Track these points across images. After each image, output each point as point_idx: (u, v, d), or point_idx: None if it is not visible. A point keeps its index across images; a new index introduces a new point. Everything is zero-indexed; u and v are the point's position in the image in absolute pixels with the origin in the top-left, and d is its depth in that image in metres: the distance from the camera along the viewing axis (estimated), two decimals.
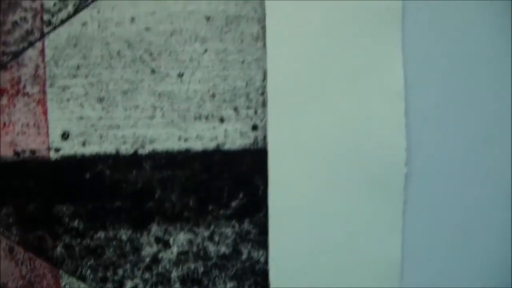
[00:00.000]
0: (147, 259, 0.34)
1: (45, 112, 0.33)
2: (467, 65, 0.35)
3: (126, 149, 0.33)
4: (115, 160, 0.33)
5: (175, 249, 0.34)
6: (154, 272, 0.34)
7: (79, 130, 0.33)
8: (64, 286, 0.34)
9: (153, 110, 0.33)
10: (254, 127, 0.34)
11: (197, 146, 0.34)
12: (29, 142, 0.33)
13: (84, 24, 0.33)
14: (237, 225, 0.34)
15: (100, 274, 0.34)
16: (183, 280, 0.34)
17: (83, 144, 0.33)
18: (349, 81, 0.34)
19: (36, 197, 0.33)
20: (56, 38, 0.33)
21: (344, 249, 0.34)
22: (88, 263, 0.34)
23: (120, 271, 0.34)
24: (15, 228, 0.33)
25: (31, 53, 0.33)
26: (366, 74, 0.34)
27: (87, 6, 0.33)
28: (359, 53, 0.34)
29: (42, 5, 0.33)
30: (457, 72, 0.35)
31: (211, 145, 0.34)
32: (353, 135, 0.34)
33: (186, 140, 0.34)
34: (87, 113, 0.33)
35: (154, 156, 0.33)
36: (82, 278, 0.34)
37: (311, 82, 0.33)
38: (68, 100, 0.33)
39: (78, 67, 0.33)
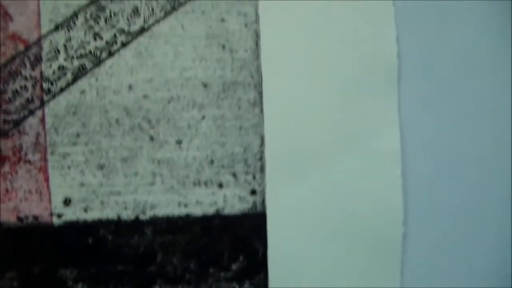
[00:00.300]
0: None
1: (46, 179, 0.34)
2: (464, 122, 0.35)
3: (127, 214, 0.34)
4: (117, 226, 0.34)
5: None
6: None
7: (81, 196, 0.34)
8: None
9: (153, 177, 0.34)
10: (253, 192, 0.34)
11: (197, 211, 0.34)
12: (32, 208, 0.34)
13: (82, 92, 0.34)
14: (237, 286, 0.35)
15: None
16: None
17: (85, 210, 0.34)
18: (345, 144, 0.34)
19: (40, 261, 0.34)
20: (55, 106, 0.34)
21: None
22: None
23: None
24: None
25: (32, 121, 0.34)
26: (362, 136, 0.34)
27: (85, 74, 0.34)
28: (355, 116, 0.34)
29: (41, 74, 0.34)
30: (453, 129, 0.35)
31: (210, 210, 0.34)
32: (350, 197, 0.34)
33: (186, 205, 0.34)
34: (88, 179, 0.34)
35: (155, 221, 0.34)
36: None
37: (308, 147, 0.34)
38: (69, 167, 0.34)
39: (78, 135, 0.34)
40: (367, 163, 0.34)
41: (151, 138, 0.34)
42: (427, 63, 0.35)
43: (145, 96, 0.34)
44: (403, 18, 0.34)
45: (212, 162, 0.34)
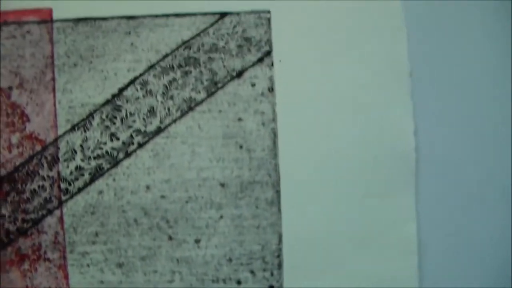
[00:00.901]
0: None
1: (66, 277, 0.34)
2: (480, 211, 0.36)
3: None
4: None
5: None
6: None
7: None
8: None
9: (172, 275, 0.34)
10: None
11: None
12: None
13: (100, 192, 0.34)
14: None
15: None
16: None
17: None
18: (362, 240, 0.34)
19: None
20: (73, 206, 0.34)
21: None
22: None
23: None
24: None
25: (50, 221, 0.34)
26: (379, 232, 0.34)
27: (102, 174, 0.34)
28: (372, 212, 0.34)
29: (59, 174, 0.34)
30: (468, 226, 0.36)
31: None
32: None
33: None
34: (107, 277, 0.34)
35: None
36: None
37: (325, 245, 0.34)
38: (88, 265, 0.34)
39: (96, 234, 0.34)
40: (384, 258, 0.34)
41: (170, 238, 0.34)
42: (443, 157, 0.35)
43: (163, 196, 0.34)
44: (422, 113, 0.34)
45: (230, 260, 0.34)
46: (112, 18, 0.34)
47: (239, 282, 0.34)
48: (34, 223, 0.34)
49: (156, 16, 0.34)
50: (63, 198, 0.34)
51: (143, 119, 0.34)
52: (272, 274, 0.34)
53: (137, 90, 0.34)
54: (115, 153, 0.34)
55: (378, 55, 0.34)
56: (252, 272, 0.34)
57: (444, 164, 0.35)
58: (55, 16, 0.34)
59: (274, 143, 0.34)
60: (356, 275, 0.34)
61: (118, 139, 0.34)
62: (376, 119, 0.34)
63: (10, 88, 0.34)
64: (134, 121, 0.34)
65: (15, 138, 0.34)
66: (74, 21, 0.34)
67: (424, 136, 0.34)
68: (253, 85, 0.34)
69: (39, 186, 0.34)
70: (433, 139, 0.35)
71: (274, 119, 0.34)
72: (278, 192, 0.34)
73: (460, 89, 0.35)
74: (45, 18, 0.34)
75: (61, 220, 0.34)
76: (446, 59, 0.35)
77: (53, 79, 0.34)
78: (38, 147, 0.34)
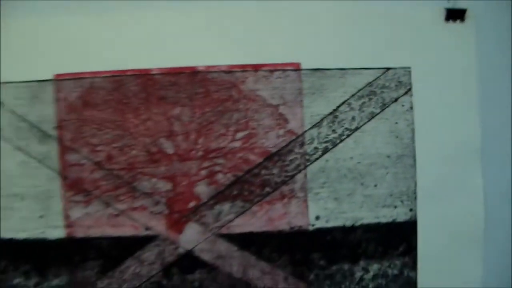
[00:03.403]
0: None
1: (306, 207, 0.64)
2: None
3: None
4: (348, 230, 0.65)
5: None
6: None
7: (325, 214, 0.65)
8: None
9: (361, 204, 0.65)
10: None
11: None
12: (298, 221, 0.64)
13: (327, 161, 0.64)
14: None
15: None
16: None
17: (326, 221, 0.65)
18: None
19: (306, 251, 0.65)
20: (312, 168, 0.64)
21: None
22: None
23: None
24: None
25: (300, 176, 0.64)
26: None
27: (328, 151, 0.64)
28: None
29: (305, 151, 0.64)
30: None
31: None
32: None
33: None
34: (328, 206, 0.64)
35: None
36: None
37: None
38: (318, 199, 0.64)
39: (324, 183, 0.64)
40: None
41: (361, 184, 0.65)
42: None
43: (359, 163, 0.64)
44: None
45: (391, 195, 0.65)
46: (332, 69, 0.64)
47: (395, 207, 0.66)
48: (291, 177, 0.64)
49: (355, 68, 0.64)
50: (307, 164, 0.64)
51: (349, 122, 0.64)
52: (411, 203, 0.66)
53: (345, 107, 0.64)
54: (335, 140, 0.64)
55: None
56: (401, 201, 0.66)
57: None
58: (303, 66, 0.64)
59: (412, 136, 0.65)
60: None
61: (335, 132, 0.64)
62: None
63: (278, 105, 0.64)
64: (344, 123, 0.64)
65: (281, 132, 0.64)
66: (312, 70, 0.64)
67: None
68: (403, 105, 0.65)
69: (294, 158, 0.64)
70: None
71: (413, 123, 0.65)
72: (414, 159, 0.65)
73: None
74: (297, 68, 0.64)
75: (305, 175, 0.64)
76: None
77: (302, 100, 0.64)
78: (293, 137, 0.64)
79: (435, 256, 0.65)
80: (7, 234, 0.63)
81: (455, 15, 0.65)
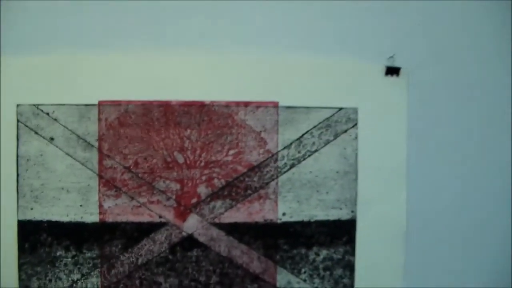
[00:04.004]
0: None
1: (276, 206, 0.89)
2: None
3: None
4: None
5: None
6: None
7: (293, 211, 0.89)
8: None
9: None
10: None
11: None
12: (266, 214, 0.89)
13: (293, 173, 0.89)
14: None
15: None
16: None
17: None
18: None
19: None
20: (282, 178, 0.88)
21: None
22: None
23: None
24: None
25: (272, 183, 0.88)
26: None
27: (293, 167, 0.89)
28: None
29: (278, 165, 0.88)
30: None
31: None
32: None
33: None
34: (292, 206, 0.89)
35: None
36: None
37: None
38: (285, 201, 0.89)
39: (290, 189, 0.89)
40: None
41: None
42: None
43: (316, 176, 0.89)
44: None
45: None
46: (300, 107, 0.88)
47: (340, 209, 0.90)
48: (266, 184, 0.88)
49: (317, 107, 0.89)
50: (278, 175, 0.88)
51: (310, 146, 0.88)
52: (352, 206, 0.90)
53: (308, 135, 0.88)
54: (299, 158, 0.88)
55: None
56: (345, 205, 0.90)
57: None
58: (280, 104, 0.88)
59: (356, 158, 0.90)
60: None
61: (300, 153, 0.88)
62: None
63: (260, 131, 0.87)
64: (307, 146, 0.89)
65: (261, 151, 0.87)
66: (286, 107, 0.88)
67: None
68: (350, 135, 0.90)
69: (269, 170, 0.88)
70: None
71: (357, 148, 0.90)
72: (356, 175, 0.90)
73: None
74: (275, 105, 0.88)
75: (277, 183, 0.88)
76: None
77: (277, 128, 0.88)
78: (270, 155, 0.88)
79: (369, 246, 0.90)
80: (54, 218, 0.85)
81: (392, 71, 0.90)
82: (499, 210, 0.93)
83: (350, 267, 0.90)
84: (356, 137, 0.88)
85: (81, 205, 0.85)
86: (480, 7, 0.91)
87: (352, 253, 0.89)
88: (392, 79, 0.89)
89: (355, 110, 0.88)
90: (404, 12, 0.90)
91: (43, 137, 0.84)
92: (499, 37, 0.92)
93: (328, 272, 0.89)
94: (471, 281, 0.91)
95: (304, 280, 0.88)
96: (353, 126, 0.88)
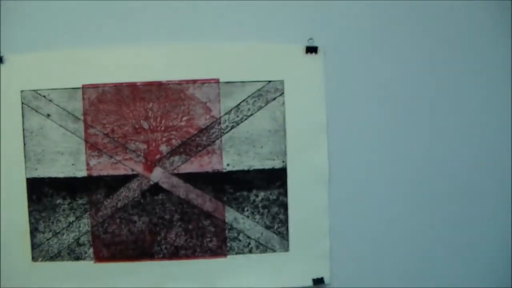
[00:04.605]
0: None
1: (222, 158, 1.15)
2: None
3: None
4: None
5: None
6: None
7: None
8: None
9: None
10: None
11: None
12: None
13: (234, 133, 1.15)
14: None
15: None
16: None
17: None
18: None
19: None
20: (224, 138, 1.15)
21: None
22: None
23: None
24: None
25: (218, 141, 1.14)
26: None
27: (232, 129, 1.15)
28: None
29: (221, 127, 1.15)
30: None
31: None
32: None
33: None
34: (230, 161, 1.15)
35: None
36: None
37: None
38: (229, 153, 1.15)
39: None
40: None
41: None
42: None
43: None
44: None
45: None
46: (237, 82, 1.14)
47: (273, 159, 1.16)
48: (213, 142, 1.14)
49: (250, 81, 1.14)
50: (222, 134, 1.14)
51: (246, 111, 1.14)
52: (283, 157, 1.16)
53: (244, 103, 1.14)
54: (238, 121, 1.14)
55: None
56: (277, 156, 1.16)
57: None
58: (220, 80, 1.13)
59: (284, 119, 1.15)
60: None
61: (238, 117, 1.14)
62: None
63: (206, 102, 1.13)
64: (243, 111, 1.14)
65: (207, 116, 1.13)
66: (226, 82, 1.14)
67: None
68: (278, 102, 1.15)
69: (214, 131, 1.13)
70: None
71: (284, 112, 1.15)
72: (285, 133, 1.15)
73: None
74: (217, 81, 1.14)
75: (221, 141, 1.14)
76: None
77: (219, 99, 1.14)
78: (214, 119, 1.13)
79: (298, 189, 1.15)
80: (53, 175, 1.13)
81: (311, 50, 1.15)
82: (415, 146, 1.17)
83: (284, 206, 1.15)
84: (283, 103, 1.14)
85: (73, 164, 1.13)
86: None
87: (285, 194, 1.15)
88: (311, 56, 1.14)
89: (281, 82, 1.14)
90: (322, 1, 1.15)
91: (42, 114, 1.12)
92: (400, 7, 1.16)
93: (266, 210, 1.15)
94: (389, 210, 1.16)
95: (247, 217, 1.14)
96: (280, 95, 1.14)
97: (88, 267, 1.12)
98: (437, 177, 1.15)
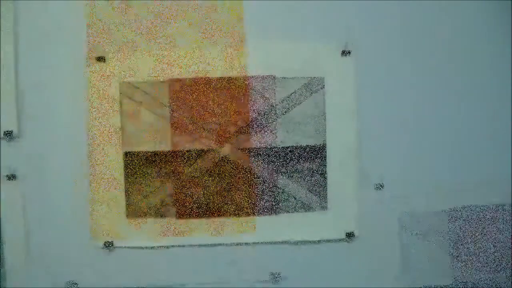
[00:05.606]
0: None
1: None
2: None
3: None
4: None
5: None
6: None
7: None
8: None
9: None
10: None
11: None
12: None
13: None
14: None
15: None
16: None
17: None
18: None
19: None
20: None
21: None
22: None
23: None
24: None
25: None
26: None
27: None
28: None
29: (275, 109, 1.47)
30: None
31: None
32: None
33: None
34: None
35: None
36: None
37: None
38: None
39: None
40: None
41: None
42: None
43: None
44: None
45: None
46: (288, 78, 1.46)
47: (315, 138, 1.48)
48: (270, 124, 1.46)
49: (299, 78, 1.46)
50: (277, 118, 1.46)
51: (297, 98, 1.46)
52: (323, 136, 1.48)
53: (296, 92, 1.46)
54: (292, 105, 1.46)
55: None
56: (318, 134, 1.48)
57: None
58: (276, 76, 1.45)
59: (324, 107, 1.47)
60: None
61: (292, 102, 1.46)
62: None
63: (265, 95, 1.45)
64: (294, 99, 1.46)
65: (265, 105, 1.45)
66: (281, 78, 1.46)
67: None
68: (320, 93, 1.47)
69: (270, 116, 1.46)
70: None
71: (324, 101, 1.47)
72: (325, 117, 1.47)
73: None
74: (273, 78, 1.45)
75: (275, 123, 1.46)
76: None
77: (274, 89, 1.46)
78: (271, 106, 1.46)
79: (333, 161, 1.48)
80: (147, 149, 1.45)
81: (346, 53, 1.47)
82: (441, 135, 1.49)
83: (323, 175, 1.48)
84: (324, 94, 1.46)
85: (160, 141, 1.44)
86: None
87: (325, 165, 1.47)
88: (346, 58, 1.46)
89: (322, 79, 1.46)
90: (357, 10, 1.46)
91: (136, 101, 1.43)
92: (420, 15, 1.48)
93: (309, 177, 1.47)
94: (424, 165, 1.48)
95: (295, 182, 1.47)
96: (322, 88, 1.46)
97: (171, 223, 1.44)
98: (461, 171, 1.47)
